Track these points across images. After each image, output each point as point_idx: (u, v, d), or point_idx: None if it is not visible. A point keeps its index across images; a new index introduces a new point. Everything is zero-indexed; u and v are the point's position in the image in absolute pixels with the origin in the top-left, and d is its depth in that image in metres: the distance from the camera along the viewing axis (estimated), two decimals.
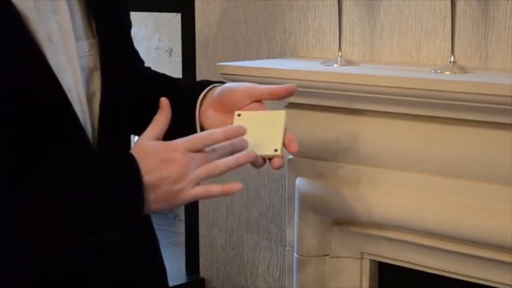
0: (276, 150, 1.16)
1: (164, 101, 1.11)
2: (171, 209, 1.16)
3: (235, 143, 1.10)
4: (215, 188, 1.08)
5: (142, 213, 1.07)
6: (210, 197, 1.10)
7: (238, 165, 1.09)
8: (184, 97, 1.28)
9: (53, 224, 1.05)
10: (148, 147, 1.07)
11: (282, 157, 1.16)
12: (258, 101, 1.24)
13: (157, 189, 1.06)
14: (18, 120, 1.05)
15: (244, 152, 1.10)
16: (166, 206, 1.08)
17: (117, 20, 1.22)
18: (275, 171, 1.20)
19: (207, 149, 1.08)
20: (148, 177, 1.05)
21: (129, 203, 1.05)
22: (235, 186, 1.09)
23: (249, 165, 1.14)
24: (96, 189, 1.05)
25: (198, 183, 1.07)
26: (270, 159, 1.16)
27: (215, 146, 1.09)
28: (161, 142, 1.08)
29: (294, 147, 1.18)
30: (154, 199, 1.06)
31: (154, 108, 1.32)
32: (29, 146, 1.07)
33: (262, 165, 1.16)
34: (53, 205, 1.04)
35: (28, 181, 1.05)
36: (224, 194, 1.09)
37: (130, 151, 1.08)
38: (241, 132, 1.11)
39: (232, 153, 1.10)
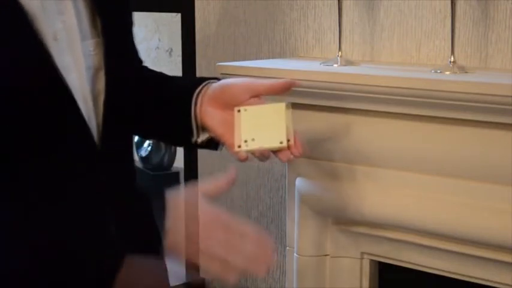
0: (281, 143, 1.17)
1: (233, 171, 1.13)
2: None
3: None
4: None
5: None
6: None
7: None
8: (180, 95, 1.29)
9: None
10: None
11: (289, 148, 1.17)
12: (257, 96, 1.24)
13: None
14: (22, 119, 1.05)
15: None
16: None
17: (122, 19, 1.22)
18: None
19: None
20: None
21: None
22: None
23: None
24: None
25: None
26: (276, 152, 1.17)
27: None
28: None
29: (298, 150, 1.19)
30: None
31: (153, 108, 1.32)
32: (32, 146, 1.06)
33: (268, 158, 1.16)
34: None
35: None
36: None
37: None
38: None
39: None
